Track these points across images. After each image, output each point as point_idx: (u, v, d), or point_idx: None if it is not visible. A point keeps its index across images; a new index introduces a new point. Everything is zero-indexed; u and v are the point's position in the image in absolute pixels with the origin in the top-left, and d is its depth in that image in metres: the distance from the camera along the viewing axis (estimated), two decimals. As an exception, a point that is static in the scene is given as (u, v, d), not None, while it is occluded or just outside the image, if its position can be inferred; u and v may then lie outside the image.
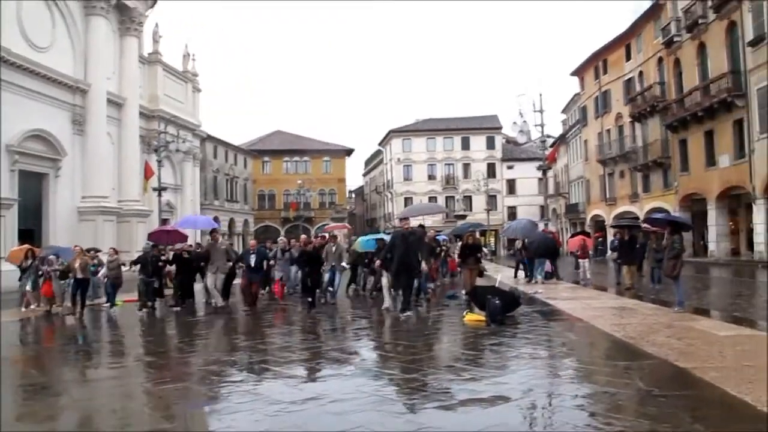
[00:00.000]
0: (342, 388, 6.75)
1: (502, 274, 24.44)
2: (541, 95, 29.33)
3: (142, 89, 44.44)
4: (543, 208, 34.25)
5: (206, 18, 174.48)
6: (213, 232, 17.68)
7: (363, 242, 19.16)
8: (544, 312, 13.69)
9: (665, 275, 14.34)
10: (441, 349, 9.60)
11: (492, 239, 62.95)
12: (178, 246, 18.56)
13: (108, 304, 17.08)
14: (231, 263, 17.10)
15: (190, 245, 20.11)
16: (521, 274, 23.47)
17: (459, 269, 19.06)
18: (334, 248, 18.00)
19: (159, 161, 33.77)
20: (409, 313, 12.89)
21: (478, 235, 23.00)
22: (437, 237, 22.74)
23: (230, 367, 8.49)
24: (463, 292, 15.52)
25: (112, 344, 12.15)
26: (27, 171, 33.42)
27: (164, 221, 44.91)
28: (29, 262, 18.51)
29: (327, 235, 19.77)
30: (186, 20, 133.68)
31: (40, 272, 17.94)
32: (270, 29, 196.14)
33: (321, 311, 14.79)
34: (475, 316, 12.02)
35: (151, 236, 20.85)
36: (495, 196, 69.65)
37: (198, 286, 18.01)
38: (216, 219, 38.84)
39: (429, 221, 56.65)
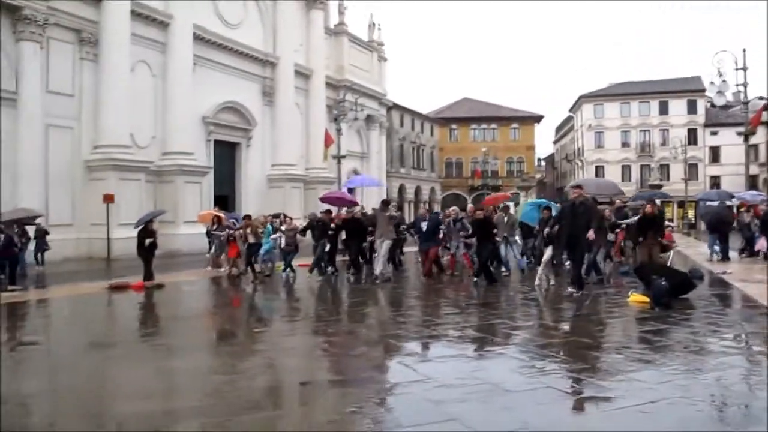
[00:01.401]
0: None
1: (694, 250, 22.52)
2: (744, 51, 25.98)
3: (328, 60, 45.65)
4: (748, 179, 30.86)
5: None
6: (383, 202, 17.21)
7: (526, 211, 17.42)
8: (723, 296, 12.19)
9: None
10: (582, 332, 8.57)
11: (691, 211, 58.38)
12: (347, 210, 18.61)
13: (284, 269, 17.67)
14: (395, 231, 16.55)
15: (362, 211, 19.87)
16: (717, 250, 21.09)
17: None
18: (505, 218, 17.11)
19: (338, 129, 34.53)
20: (573, 290, 11.84)
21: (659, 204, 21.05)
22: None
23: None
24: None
25: (275, 306, 12.41)
26: (221, 141, 35.70)
27: (349, 190, 46.29)
28: (214, 227, 19.66)
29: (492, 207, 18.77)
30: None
31: (223, 237, 18.82)
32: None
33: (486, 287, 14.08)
34: (640, 297, 10.87)
35: (323, 200, 21.34)
36: (696, 165, 64.50)
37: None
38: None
39: (623, 191, 53.78)
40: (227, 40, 35.34)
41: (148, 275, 15.20)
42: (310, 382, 6.21)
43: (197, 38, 32.56)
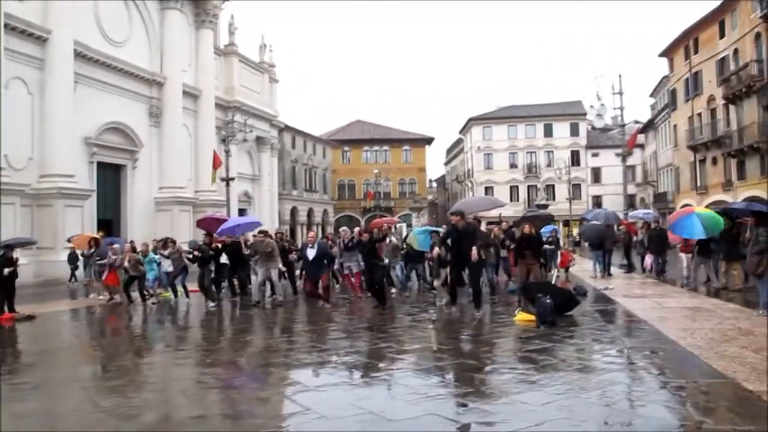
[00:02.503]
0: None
1: (579, 267, 23.23)
2: (620, 76, 27.35)
3: (218, 81, 44.93)
4: (626, 198, 32.40)
5: (283, 9, 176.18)
6: (260, 233, 16.56)
7: (420, 239, 17.00)
8: (606, 312, 12.56)
9: (749, 273, 12.95)
10: (468, 353, 8.60)
11: (575, 230, 60.80)
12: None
13: (174, 294, 17.04)
14: (279, 259, 15.84)
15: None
16: (599, 268, 21.93)
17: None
18: (388, 241, 17.14)
19: (227, 151, 33.82)
20: (477, 313, 12.09)
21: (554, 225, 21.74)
22: (546, 228, 21.19)
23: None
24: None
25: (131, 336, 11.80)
26: (105, 163, 34.26)
27: (241, 211, 45.50)
28: (92, 251, 18.68)
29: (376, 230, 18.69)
30: (262, 12, 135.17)
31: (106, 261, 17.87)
32: (348, 19, 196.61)
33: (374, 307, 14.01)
34: (526, 316, 11.05)
35: (200, 223, 20.51)
36: (579, 185, 67.32)
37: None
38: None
39: (510, 211, 55.35)
40: (111, 58, 34.03)
41: (10, 307, 14.13)
42: (169, 419, 5.80)
43: (79, 55, 31.15)
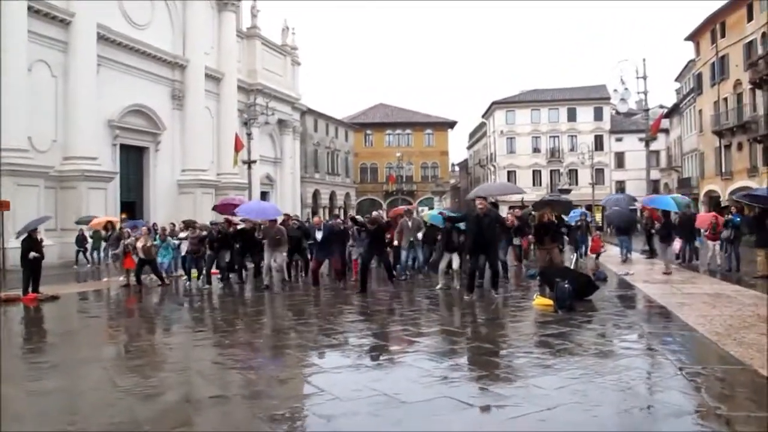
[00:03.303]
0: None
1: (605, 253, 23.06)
2: (644, 60, 26.95)
3: (240, 63, 44.99)
4: (649, 183, 32.04)
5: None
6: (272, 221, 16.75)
7: (431, 215, 17.34)
8: (625, 297, 12.50)
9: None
10: (485, 337, 8.60)
11: (598, 215, 60.38)
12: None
13: (186, 278, 17.15)
14: (286, 245, 15.83)
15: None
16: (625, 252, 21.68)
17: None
18: (410, 223, 17.08)
19: (249, 134, 33.85)
20: (496, 295, 12.13)
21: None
22: (575, 212, 21.05)
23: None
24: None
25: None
26: (128, 145, 34.52)
27: (263, 194, 45.68)
28: (109, 233, 18.79)
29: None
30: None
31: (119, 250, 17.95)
32: (372, 1, 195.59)
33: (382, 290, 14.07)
34: (544, 301, 11.01)
35: (216, 208, 20.60)
36: (602, 170, 66.71)
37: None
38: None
39: (533, 195, 55.05)
40: (134, 41, 34.21)
41: (35, 288, 14.27)
42: (190, 400, 5.84)
43: (102, 38, 31.36)
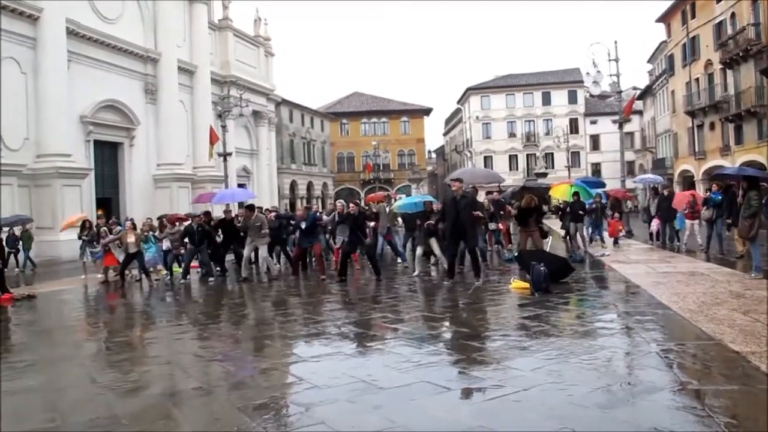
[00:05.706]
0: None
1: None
2: (616, 42, 27.20)
3: (213, 56, 44.70)
4: (624, 165, 32.24)
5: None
6: (247, 208, 16.59)
7: (401, 204, 16.95)
8: (601, 278, 12.68)
9: (740, 236, 13.02)
10: (462, 321, 8.66)
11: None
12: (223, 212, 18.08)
13: (166, 273, 17.09)
14: (267, 234, 15.81)
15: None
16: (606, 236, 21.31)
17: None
18: (387, 209, 17.17)
19: (223, 126, 33.62)
20: (477, 282, 12.02)
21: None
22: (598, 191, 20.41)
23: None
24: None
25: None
26: (102, 141, 34.18)
27: (241, 186, 45.43)
28: (85, 232, 18.58)
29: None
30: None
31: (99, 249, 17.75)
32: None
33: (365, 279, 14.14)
34: (521, 284, 11.15)
35: (197, 201, 20.57)
36: (578, 153, 67.24)
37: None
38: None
39: (509, 180, 55.31)
40: (104, 35, 33.79)
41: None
42: (171, 393, 5.85)
43: (71, 33, 30.96)
